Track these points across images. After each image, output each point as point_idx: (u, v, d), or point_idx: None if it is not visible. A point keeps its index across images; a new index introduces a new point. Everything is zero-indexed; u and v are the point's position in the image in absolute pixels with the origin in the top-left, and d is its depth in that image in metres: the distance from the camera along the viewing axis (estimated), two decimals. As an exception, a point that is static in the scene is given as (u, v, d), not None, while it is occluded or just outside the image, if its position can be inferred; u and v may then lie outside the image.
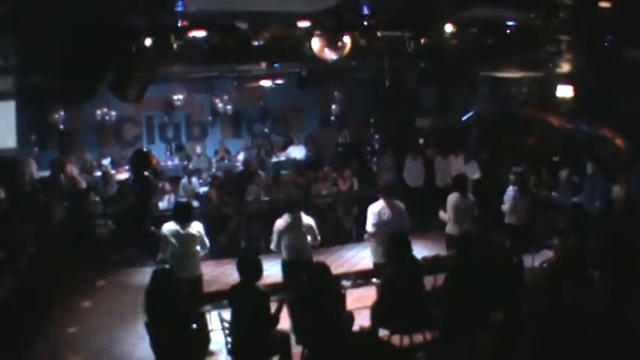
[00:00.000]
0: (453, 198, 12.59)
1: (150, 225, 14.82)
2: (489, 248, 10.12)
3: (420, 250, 12.26)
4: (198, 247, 10.67)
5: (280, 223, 11.32)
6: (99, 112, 21.37)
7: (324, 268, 9.20)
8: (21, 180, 16.00)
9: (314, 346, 8.53)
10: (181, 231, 10.48)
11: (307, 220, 11.43)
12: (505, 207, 13.61)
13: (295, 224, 11.26)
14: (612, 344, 7.28)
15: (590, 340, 7.24)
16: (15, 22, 9.80)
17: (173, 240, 10.43)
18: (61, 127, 20.31)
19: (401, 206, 11.62)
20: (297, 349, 9.01)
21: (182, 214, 10.74)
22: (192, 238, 10.57)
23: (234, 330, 8.79)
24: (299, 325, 9.13)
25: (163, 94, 21.64)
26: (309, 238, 11.33)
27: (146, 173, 16.48)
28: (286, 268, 11.39)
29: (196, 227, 10.67)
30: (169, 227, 10.54)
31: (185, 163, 21.24)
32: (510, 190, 13.65)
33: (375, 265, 11.61)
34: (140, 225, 15.26)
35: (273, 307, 8.79)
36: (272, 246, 11.43)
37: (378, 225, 11.29)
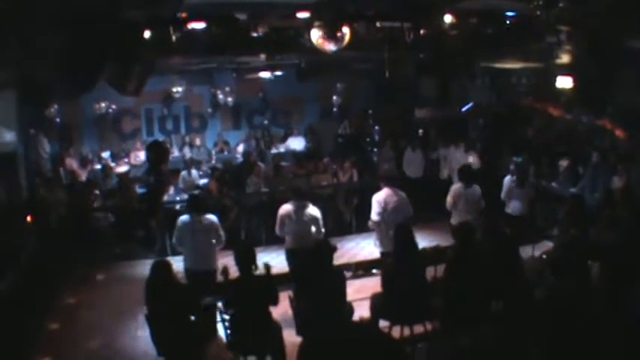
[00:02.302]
0: (456, 188, 12.64)
1: (151, 218, 14.88)
2: (490, 238, 10.12)
3: (421, 241, 12.25)
4: (213, 240, 10.69)
5: (284, 208, 11.54)
6: (98, 105, 21.35)
7: (325, 244, 9.21)
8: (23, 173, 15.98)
9: (313, 335, 8.50)
10: (197, 223, 10.51)
11: (313, 211, 11.54)
12: (503, 196, 13.76)
13: (299, 212, 11.39)
14: (611, 336, 7.30)
15: (589, 332, 7.26)
16: (14, 15, 9.79)
17: (189, 233, 10.46)
18: (58, 120, 20.27)
19: (403, 194, 11.72)
20: (297, 339, 9.00)
21: (197, 206, 10.79)
22: (208, 231, 10.60)
23: (235, 322, 8.80)
24: (300, 313, 9.13)
25: (162, 87, 21.63)
26: (313, 228, 11.39)
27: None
28: (289, 255, 11.60)
29: (212, 220, 10.71)
30: (184, 220, 10.57)
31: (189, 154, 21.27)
32: (507, 180, 13.76)
33: (382, 254, 11.69)
34: (146, 217, 15.33)
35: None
36: (276, 230, 11.64)
37: (383, 213, 11.39)
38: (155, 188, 15.91)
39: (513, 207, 13.79)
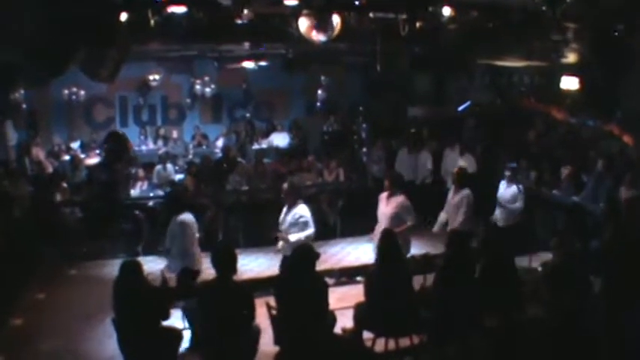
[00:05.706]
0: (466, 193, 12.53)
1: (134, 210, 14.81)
2: (483, 246, 10.12)
3: (411, 248, 12.28)
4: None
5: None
6: (67, 91, 21.23)
7: (307, 249, 9.19)
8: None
9: (291, 346, 8.48)
10: (187, 222, 10.52)
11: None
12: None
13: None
14: (610, 352, 7.32)
15: (587, 352, 7.28)
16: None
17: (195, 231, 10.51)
18: (24, 106, 20.13)
19: None
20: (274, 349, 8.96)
21: (179, 204, 10.82)
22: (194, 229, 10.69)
23: (208, 328, 8.74)
24: (277, 321, 9.10)
25: (138, 74, 21.57)
26: None
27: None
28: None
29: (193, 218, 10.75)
30: (190, 218, 10.55)
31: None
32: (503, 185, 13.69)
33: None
34: (107, 214, 15.22)
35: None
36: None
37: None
38: (106, 188, 15.74)
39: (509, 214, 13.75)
